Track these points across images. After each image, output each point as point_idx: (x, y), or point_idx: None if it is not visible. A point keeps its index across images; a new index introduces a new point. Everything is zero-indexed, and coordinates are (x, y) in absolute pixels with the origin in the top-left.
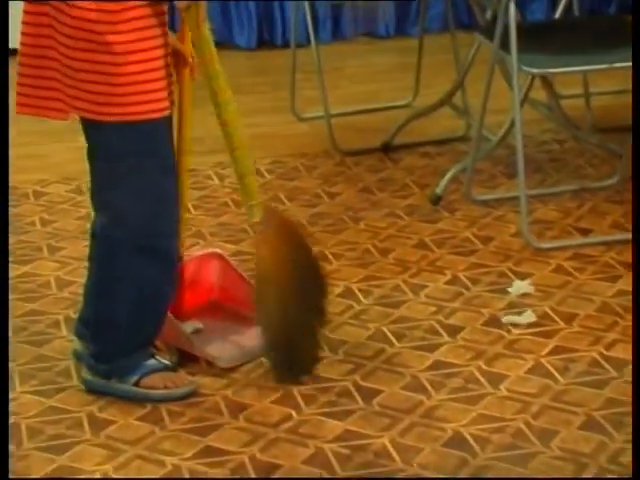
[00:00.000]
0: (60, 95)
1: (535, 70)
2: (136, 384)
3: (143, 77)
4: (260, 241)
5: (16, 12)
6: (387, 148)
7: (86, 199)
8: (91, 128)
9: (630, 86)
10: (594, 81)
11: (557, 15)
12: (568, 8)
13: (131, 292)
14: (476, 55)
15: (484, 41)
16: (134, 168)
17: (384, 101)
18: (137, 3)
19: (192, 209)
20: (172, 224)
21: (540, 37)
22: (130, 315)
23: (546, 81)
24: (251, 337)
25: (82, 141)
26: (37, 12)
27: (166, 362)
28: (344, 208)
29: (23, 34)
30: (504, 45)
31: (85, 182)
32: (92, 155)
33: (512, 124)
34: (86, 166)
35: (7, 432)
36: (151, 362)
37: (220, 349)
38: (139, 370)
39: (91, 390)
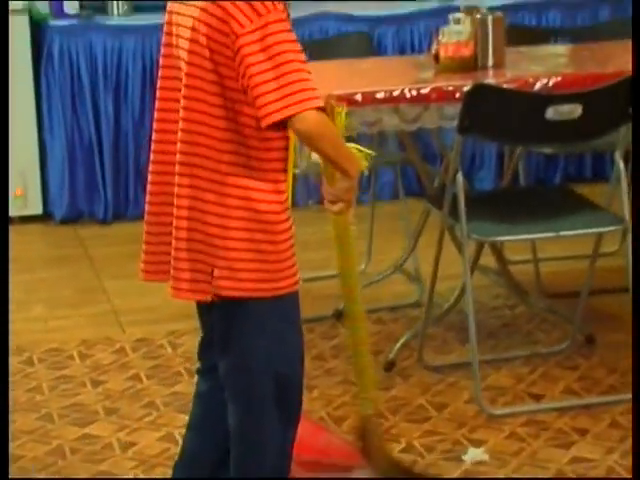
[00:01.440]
0: (203, 276)
1: (484, 238)
2: None
3: (291, 251)
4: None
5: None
6: (340, 315)
7: (37, 370)
8: (235, 307)
9: (577, 252)
10: (542, 247)
11: (504, 184)
12: (514, 177)
13: (275, 448)
14: (426, 222)
15: (433, 209)
16: (281, 339)
17: (337, 268)
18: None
19: (145, 379)
20: (302, 381)
21: (488, 205)
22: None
23: (495, 248)
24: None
25: (36, 311)
26: (190, 196)
27: None
28: None
29: (149, 213)
30: (453, 213)
31: (37, 353)
32: (231, 334)
33: (463, 290)
34: (38, 337)
35: (7, 432)
36: None
37: None
38: None
39: None
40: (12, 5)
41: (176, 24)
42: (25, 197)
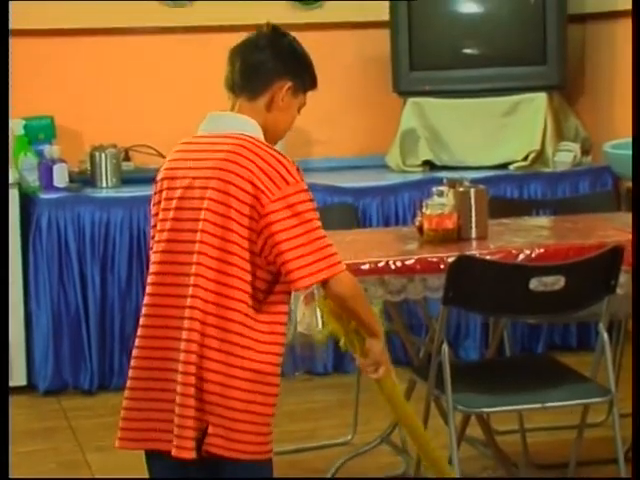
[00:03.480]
0: (198, 433)
1: (470, 409)
2: None
3: (273, 416)
4: None
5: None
6: None
7: None
8: (220, 468)
9: (564, 422)
10: (529, 417)
11: (490, 353)
12: (500, 346)
13: None
14: (412, 392)
15: (419, 380)
16: None
17: (323, 439)
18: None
19: None
20: None
21: (474, 376)
22: None
23: (481, 418)
24: None
25: None
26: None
27: None
28: None
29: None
30: (439, 384)
31: None
32: None
33: (450, 462)
34: None
35: (7, 432)
36: None
37: None
38: None
39: None
40: None
41: (180, 197)
42: (9, 368)
